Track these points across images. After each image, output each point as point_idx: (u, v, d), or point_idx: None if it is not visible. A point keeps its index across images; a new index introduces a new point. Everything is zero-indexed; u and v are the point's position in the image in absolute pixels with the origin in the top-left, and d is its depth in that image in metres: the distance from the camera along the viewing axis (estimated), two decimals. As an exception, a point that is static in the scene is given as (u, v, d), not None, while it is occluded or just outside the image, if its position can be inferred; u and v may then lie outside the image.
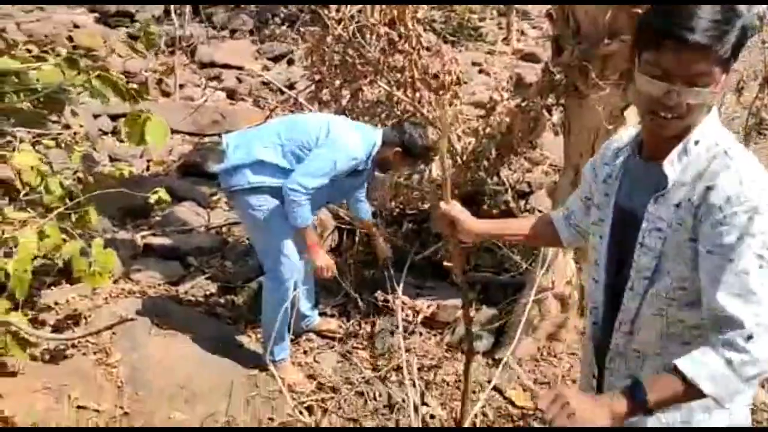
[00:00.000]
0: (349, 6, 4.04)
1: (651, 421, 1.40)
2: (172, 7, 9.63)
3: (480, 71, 10.14)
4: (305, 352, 3.41)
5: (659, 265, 1.32)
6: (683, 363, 1.18)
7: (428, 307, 3.49)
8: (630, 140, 1.46)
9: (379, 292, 3.68)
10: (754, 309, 1.17)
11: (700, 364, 1.18)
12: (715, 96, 1.22)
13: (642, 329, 1.39)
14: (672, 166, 1.30)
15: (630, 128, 1.51)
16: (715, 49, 1.16)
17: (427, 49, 4.26)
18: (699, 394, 1.18)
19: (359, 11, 4.11)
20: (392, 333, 3.41)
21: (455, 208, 1.74)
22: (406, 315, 3.53)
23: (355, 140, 2.98)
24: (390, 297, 3.48)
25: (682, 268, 1.30)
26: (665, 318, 1.35)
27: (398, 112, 4.28)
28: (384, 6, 4.10)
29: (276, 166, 2.96)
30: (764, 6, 2.96)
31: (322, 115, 3.57)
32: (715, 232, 1.21)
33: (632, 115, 3.01)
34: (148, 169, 5.67)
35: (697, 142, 1.28)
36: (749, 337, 1.16)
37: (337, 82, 4.36)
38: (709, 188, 1.23)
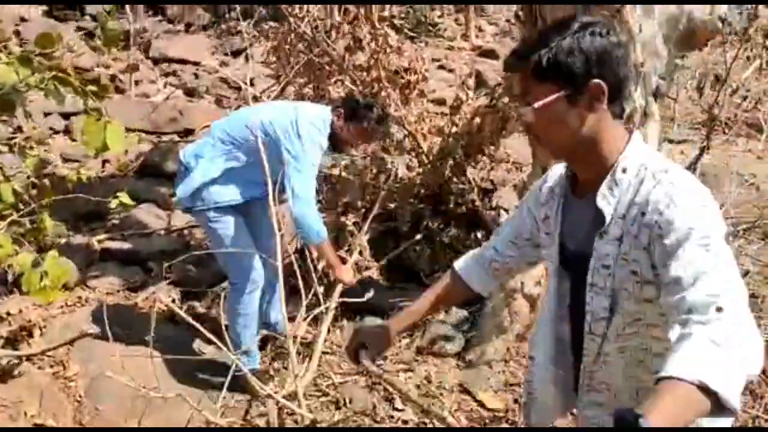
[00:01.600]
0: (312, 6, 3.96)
1: None
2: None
3: (440, 67, 10.17)
4: (273, 359, 3.33)
5: (613, 304, 1.29)
6: (674, 369, 1.00)
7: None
8: (561, 178, 1.42)
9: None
10: (708, 286, 1.09)
11: (687, 361, 1.01)
12: (545, 113, 1.22)
13: (606, 365, 1.37)
14: (605, 200, 1.26)
15: (560, 165, 1.43)
16: (523, 68, 1.22)
17: (391, 46, 4.21)
18: (701, 399, 0.97)
19: (319, 10, 4.03)
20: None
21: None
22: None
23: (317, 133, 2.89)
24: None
25: (629, 304, 1.27)
26: (628, 352, 1.33)
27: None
28: (347, 5, 4.04)
29: (233, 173, 2.89)
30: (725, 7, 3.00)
31: (268, 107, 3.11)
32: (661, 247, 1.17)
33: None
34: (103, 169, 5.47)
35: (624, 170, 1.25)
36: (718, 309, 1.06)
37: (302, 80, 4.28)
38: (643, 213, 1.20)
